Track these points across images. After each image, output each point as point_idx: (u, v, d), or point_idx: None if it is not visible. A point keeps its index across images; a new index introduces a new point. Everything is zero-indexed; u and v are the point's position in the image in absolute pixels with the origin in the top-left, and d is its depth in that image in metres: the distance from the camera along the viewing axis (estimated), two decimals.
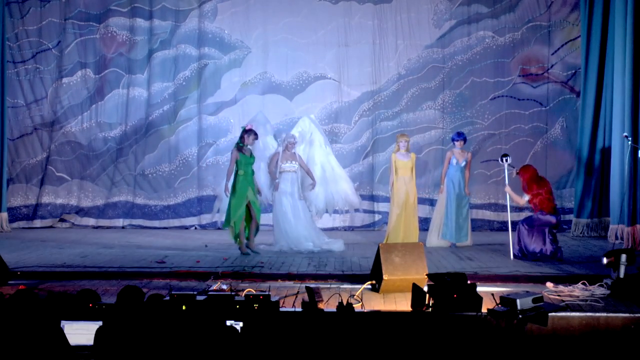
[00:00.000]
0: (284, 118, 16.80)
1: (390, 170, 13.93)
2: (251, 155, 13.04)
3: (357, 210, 16.03)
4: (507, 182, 13.01)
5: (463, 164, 13.93)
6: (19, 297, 6.27)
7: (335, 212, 15.45)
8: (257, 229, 13.20)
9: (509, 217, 13.08)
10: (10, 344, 5.97)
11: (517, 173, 12.84)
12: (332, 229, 16.17)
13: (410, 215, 13.78)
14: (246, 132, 13.01)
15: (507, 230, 15.16)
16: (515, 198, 12.85)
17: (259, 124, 13.74)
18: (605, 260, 10.09)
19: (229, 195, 12.94)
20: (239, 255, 12.80)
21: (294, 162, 13.43)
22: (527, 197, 12.61)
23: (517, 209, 15.72)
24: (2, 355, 5.95)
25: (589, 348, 8.47)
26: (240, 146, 12.96)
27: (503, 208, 16.29)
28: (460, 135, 14.09)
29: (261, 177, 13.49)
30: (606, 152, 15.05)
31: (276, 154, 13.50)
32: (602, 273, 10.32)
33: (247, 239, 13.08)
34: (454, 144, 14.09)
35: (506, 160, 12.88)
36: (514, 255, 12.54)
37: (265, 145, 13.74)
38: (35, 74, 17.09)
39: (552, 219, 12.58)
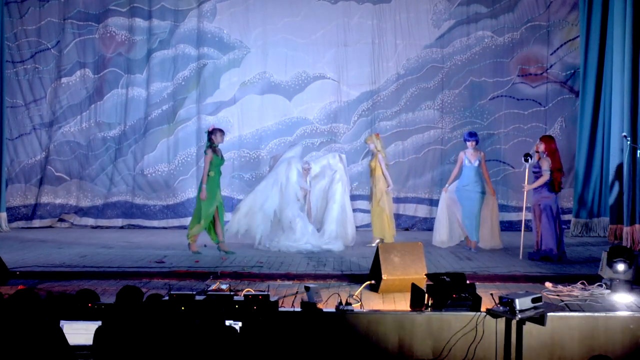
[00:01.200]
0: (282, 118, 16.81)
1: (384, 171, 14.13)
2: (222, 157, 13.14)
3: (355, 210, 16.02)
4: (527, 181, 12.79)
5: (476, 163, 13.57)
6: (20, 296, 6.26)
7: None
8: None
9: (523, 216, 13.32)
10: (10, 343, 5.97)
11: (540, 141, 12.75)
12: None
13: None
14: (212, 132, 13.05)
15: (506, 230, 15.27)
16: (537, 183, 12.59)
17: (298, 158, 14.18)
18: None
19: (204, 198, 12.93)
20: (238, 255, 12.80)
21: (303, 191, 13.90)
22: (548, 173, 12.49)
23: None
24: (2, 355, 5.95)
25: (588, 348, 8.47)
26: (213, 147, 12.97)
27: (502, 208, 16.33)
28: (473, 136, 13.74)
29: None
30: (605, 152, 15.05)
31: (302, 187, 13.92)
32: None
33: (218, 242, 13.12)
34: (466, 144, 13.82)
35: (527, 160, 12.64)
36: (529, 255, 12.50)
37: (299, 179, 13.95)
38: (34, 74, 17.08)
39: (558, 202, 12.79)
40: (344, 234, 13.99)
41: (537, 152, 12.65)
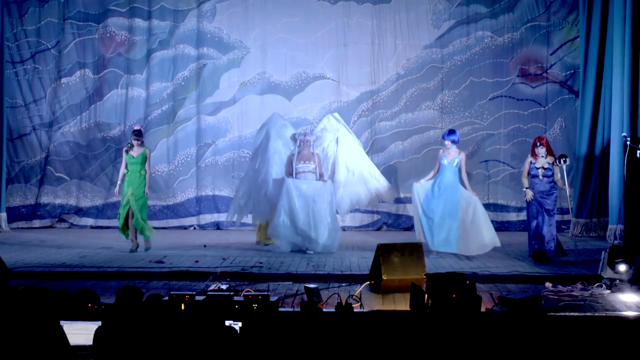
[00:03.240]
0: None
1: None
2: (137, 156, 13.37)
3: (356, 210, 15.98)
4: (566, 183, 12.84)
5: (455, 163, 12.92)
6: (23, 295, 6.26)
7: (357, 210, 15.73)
8: (141, 229, 13.31)
9: (571, 218, 13.98)
10: (12, 342, 5.97)
11: (541, 144, 12.61)
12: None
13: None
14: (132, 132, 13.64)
15: (505, 230, 15.27)
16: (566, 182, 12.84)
17: (274, 125, 13.85)
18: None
19: (118, 194, 13.51)
20: (238, 255, 12.80)
21: (310, 162, 13.44)
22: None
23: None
24: (5, 354, 5.95)
25: (588, 348, 8.46)
26: (128, 146, 13.45)
27: (502, 208, 16.34)
28: (450, 134, 13.16)
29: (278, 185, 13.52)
30: (605, 152, 15.06)
31: (291, 155, 13.52)
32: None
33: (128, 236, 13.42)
34: (444, 142, 13.25)
35: (565, 162, 12.42)
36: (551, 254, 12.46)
37: (276, 149, 13.68)
38: (34, 74, 17.08)
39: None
40: (357, 199, 13.83)
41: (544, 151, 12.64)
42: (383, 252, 10.23)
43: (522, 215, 16.18)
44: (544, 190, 12.53)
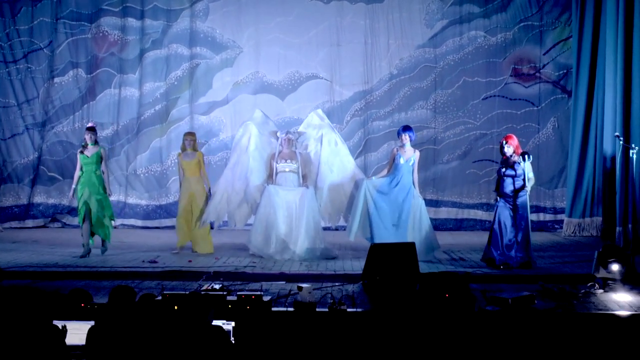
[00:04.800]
0: (275, 118, 16.75)
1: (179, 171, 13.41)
2: (91, 155, 12.78)
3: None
4: (526, 180, 11.88)
5: (410, 162, 12.40)
6: (20, 294, 6.25)
7: None
8: (105, 234, 12.78)
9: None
10: (8, 341, 5.97)
11: (506, 142, 11.89)
12: (325, 228, 15.90)
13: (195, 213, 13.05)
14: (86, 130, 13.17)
15: None
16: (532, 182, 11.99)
17: (258, 123, 13.19)
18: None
19: (72, 198, 13.15)
20: (231, 255, 12.79)
21: (292, 162, 12.80)
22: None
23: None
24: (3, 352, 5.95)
25: (581, 347, 8.48)
26: (82, 146, 12.97)
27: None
28: (407, 130, 12.58)
29: (259, 180, 13.03)
30: (598, 151, 15.08)
31: (272, 154, 12.94)
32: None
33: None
34: (399, 138, 12.62)
35: (529, 158, 11.72)
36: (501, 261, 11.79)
37: (257, 145, 13.06)
38: (26, 74, 17.04)
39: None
40: (342, 204, 12.97)
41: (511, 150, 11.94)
42: (376, 252, 10.24)
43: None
44: (509, 192, 11.85)
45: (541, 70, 16.66)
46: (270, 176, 12.83)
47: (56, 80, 17.06)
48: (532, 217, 16.33)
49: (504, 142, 11.97)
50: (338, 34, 16.94)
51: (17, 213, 17.02)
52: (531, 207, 16.22)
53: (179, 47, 17.05)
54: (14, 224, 16.85)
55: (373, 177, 12.83)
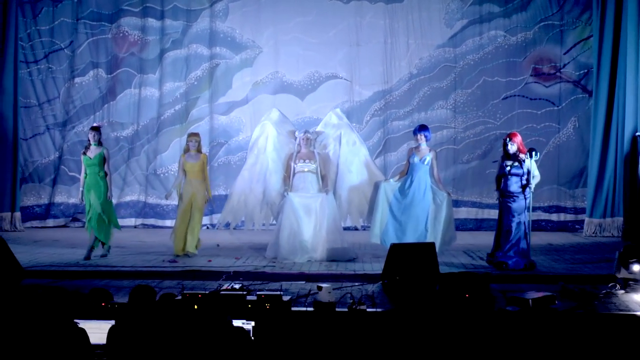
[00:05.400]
0: (295, 118, 16.76)
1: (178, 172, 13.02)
2: (94, 157, 12.48)
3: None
4: (530, 178, 11.62)
5: (426, 162, 12.21)
6: (47, 294, 6.27)
7: None
8: (105, 235, 12.55)
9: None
10: (34, 341, 6.00)
11: (510, 139, 11.68)
12: (345, 228, 15.79)
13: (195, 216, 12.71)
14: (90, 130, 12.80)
15: None
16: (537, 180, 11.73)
17: (275, 122, 12.96)
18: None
19: (81, 202, 12.75)
20: (250, 255, 12.80)
21: (310, 162, 12.59)
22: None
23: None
24: (26, 352, 5.98)
25: (602, 348, 8.44)
26: (85, 147, 12.66)
27: None
28: (423, 130, 12.45)
29: (278, 182, 12.84)
30: (618, 152, 15.02)
31: (289, 155, 12.76)
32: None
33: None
34: (415, 137, 12.50)
35: (536, 155, 11.47)
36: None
37: (275, 145, 12.88)
38: (47, 74, 17.12)
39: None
40: (362, 206, 12.79)
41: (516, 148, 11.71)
42: (396, 252, 10.22)
43: (535, 215, 16.17)
44: (514, 191, 11.66)
45: (562, 70, 16.59)
46: (288, 177, 12.66)
47: (77, 80, 17.12)
48: (553, 217, 16.42)
49: (508, 139, 11.77)
50: (357, 34, 16.93)
51: (39, 212, 17.10)
52: (551, 207, 16.40)
53: (198, 47, 17.08)
54: (35, 223, 16.92)
55: (390, 180, 12.65)
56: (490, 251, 12.01)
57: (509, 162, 11.68)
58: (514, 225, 11.61)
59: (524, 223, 11.65)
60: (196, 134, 13.21)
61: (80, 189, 12.66)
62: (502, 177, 11.78)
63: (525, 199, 11.61)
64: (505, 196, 11.72)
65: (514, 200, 11.64)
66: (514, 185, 11.65)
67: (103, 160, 12.55)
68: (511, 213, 11.62)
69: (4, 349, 6.03)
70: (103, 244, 12.62)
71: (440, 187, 12.40)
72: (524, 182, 11.59)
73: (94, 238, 12.53)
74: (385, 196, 12.31)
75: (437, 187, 12.35)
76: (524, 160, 11.56)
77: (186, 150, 12.91)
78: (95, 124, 13.19)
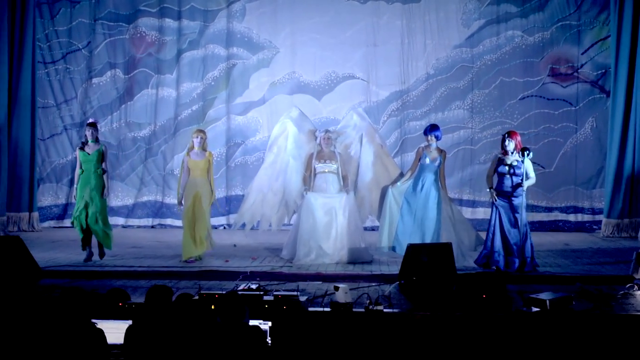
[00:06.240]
0: (312, 118, 16.73)
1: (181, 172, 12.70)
2: (92, 153, 12.23)
3: None
4: (523, 179, 11.52)
5: (437, 162, 12.05)
6: (67, 295, 6.30)
7: None
8: (103, 235, 12.35)
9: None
10: (54, 341, 6.03)
11: (508, 136, 11.64)
12: (365, 228, 15.54)
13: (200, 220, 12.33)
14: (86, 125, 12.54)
15: (535, 230, 15.15)
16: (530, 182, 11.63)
17: (295, 120, 12.82)
18: None
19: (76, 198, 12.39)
20: (267, 255, 12.81)
21: (331, 162, 12.45)
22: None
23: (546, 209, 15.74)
24: (46, 352, 6.01)
25: (619, 349, 8.41)
26: (82, 143, 12.44)
27: (532, 208, 16.22)
28: (434, 130, 12.17)
29: (299, 181, 12.72)
30: (636, 152, 14.98)
31: (310, 154, 12.64)
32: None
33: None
34: (426, 138, 12.21)
35: (528, 155, 11.33)
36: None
37: (297, 143, 12.74)
38: (65, 75, 17.18)
39: None
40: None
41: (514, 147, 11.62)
42: (413, 252, 10.21)
43: (553, 216, 16.19)
44: (509, 189, 11.58)
45: (579, 70, 16.54)
46: (308, 176, 12.55)
47: (94, 80, 17.17)
48: (570, 217, 16.37)
49: (507, 136, 11.68)
50: (374, 34, 16.92)
51: (56, 212, 17.16)
52: (569, 207, 16.35)
53: (215, 48, 17.11)
54: (53, 223, 16.99)
55: (398, 183, 12.37)
56: (482, 252, 11.76)
57: (509, 162, 11.56)
58: (520, 224, 11.44)
59: (525, 222, 11.54)
60: (202, 131, 12.82)
61: (75, 185, 12.42)
62: (500, 176, 11.62)
63: (517, 197, 11.48)
64: (504, 195, 11.59)
65: (515, 198, 11.51)
66: (513, 184, 11.53)
67: (101, 157, 12.35)
68: (515, 211, 11.51)
69: (22, 349, 6.06)
70: (100, 245, 12.40)
71: (444, 189, 12.22)
72: (519, 181, 11.45)
73: (89, 238, 12.31)
74: (394, 202, 12.20)
75: (440, 186, 12.18)
76: (522, 161, 11.45)
77: (190, 148, 12.55)
78: (91, 120, 12.93)
